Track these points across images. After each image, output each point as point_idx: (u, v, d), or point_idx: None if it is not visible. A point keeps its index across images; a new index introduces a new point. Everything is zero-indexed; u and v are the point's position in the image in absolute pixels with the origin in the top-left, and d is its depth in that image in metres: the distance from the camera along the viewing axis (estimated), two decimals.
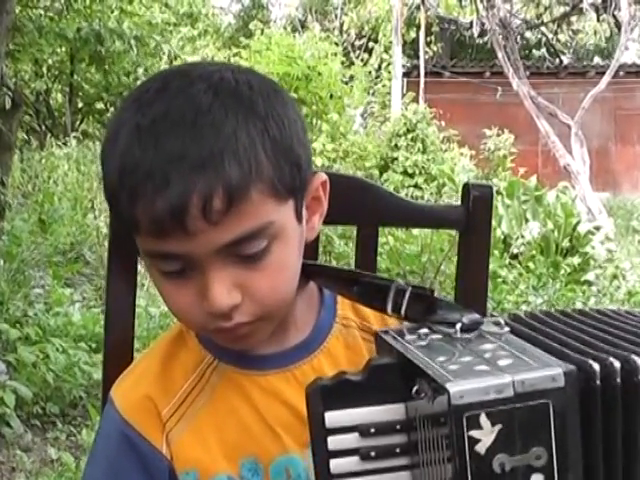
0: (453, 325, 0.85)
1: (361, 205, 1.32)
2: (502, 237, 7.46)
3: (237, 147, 0.88)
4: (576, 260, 7.16)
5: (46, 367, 4.31)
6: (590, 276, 7.01)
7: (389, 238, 6.93)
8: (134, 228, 0.92)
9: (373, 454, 0.83)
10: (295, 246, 0.98)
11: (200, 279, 0.93)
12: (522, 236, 7.42)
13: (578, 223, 7.65)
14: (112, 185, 0.91)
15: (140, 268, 1.26)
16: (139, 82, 1.06)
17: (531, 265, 7.04)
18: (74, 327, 4.97)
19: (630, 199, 13.71)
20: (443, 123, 12.50)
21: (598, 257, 7.35)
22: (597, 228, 7.80)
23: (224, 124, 0.88)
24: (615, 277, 7.06)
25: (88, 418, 4.10)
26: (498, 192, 8.47)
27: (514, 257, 7.30)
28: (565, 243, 7.39)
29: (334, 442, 0.83)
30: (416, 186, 10.98)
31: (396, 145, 11.51)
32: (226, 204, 0.87)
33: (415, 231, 7.06)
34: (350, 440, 0.83)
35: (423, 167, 11.17)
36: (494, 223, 7.51)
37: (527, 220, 7.66)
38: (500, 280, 6.50)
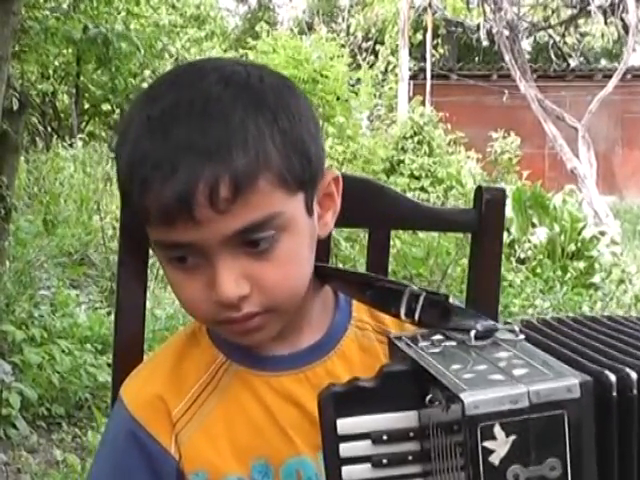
0: (467, 332, 0.83)
1: (374, 208, 1.31)
2: (508, 241, 7.45)
3: (245, 136, 0.88)
4: (582, 264, 7.15)
5: (52, 369, 4.31)
6: (596, 279, 7.00)
7: (396, 241, 6.92)
8: (144, 218, 0.92)
9: (385, 461, 0.82)
10: (306, 239, 0.97)
11: (209, 269, 0.93)
12: (529, 240, 7.40)
13: (584, 227, 7.63)
14: (124, 178, 0.93)
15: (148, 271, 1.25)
16: (145, 84, 1.06)
17: (538, 269, 7.03)
18: (80, 329, 4.97)
19: (637, 203, 13.71)
20: (450, 126, 12.49)
21: (604, 261, 7.34)
22: (602, 233, 7.78)
23: (233, 113, 0.89)
24: (622, 281, 7.05)
25: (93, 420, 4.10)
26: None
27: (521, 261, 7.29)
28: (571, 247, 7.37)
29: (346, 449, 0.82)
30: (422, 189, 10.97)
31: (403, 148, 11.51)
32: (233, 192, 0.87)
33: (421, 234, 7.05)
34: (362, 447, 0.82)
35: (429, 170, 11.16)
36: None
37: (534, 225, 7.65)
38: (507, 284, 6.49)
